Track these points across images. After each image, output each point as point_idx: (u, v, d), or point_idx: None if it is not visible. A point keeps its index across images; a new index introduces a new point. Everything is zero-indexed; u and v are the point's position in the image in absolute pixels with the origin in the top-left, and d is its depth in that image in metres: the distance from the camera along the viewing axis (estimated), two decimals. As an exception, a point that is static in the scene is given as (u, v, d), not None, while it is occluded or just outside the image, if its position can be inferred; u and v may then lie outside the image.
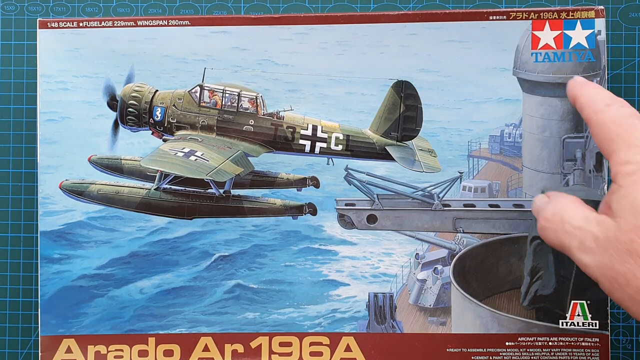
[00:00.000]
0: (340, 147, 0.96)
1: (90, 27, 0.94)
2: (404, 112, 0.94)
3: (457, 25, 0.92)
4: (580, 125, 0.92)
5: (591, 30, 0.91)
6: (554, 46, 0.92)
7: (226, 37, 0.94)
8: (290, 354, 0.92)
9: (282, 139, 0.97)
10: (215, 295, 0.94)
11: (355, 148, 0.96)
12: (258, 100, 0.96)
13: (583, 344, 0.90)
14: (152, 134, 0.99)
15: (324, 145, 0.96)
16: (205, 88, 0.97)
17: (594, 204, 0.89)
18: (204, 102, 0.97)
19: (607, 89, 0.92)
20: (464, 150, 0.93)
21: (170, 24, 0.94)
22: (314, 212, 0.95)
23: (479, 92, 0.92)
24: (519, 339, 0.90)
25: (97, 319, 0.93)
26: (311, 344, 0.92)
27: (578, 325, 0.90)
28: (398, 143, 0.96)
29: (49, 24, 0.94)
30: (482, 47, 0.92)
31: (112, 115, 0.96)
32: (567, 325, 0.90)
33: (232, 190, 0.97)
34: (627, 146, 0.68)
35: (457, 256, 0.94)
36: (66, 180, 0.94)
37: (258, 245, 0.94)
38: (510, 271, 0.93)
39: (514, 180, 0.94)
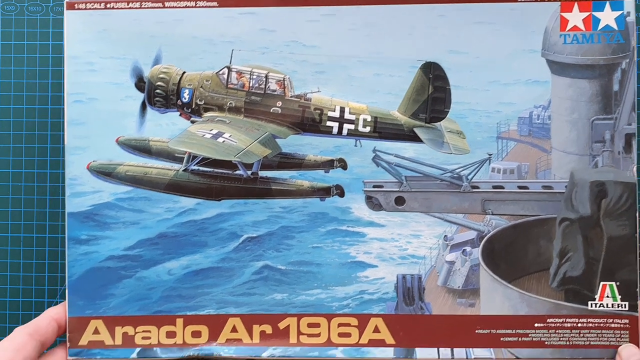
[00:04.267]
0: (368, 129, 0.96)
1: (118, 8, 0.94)
2: (433, 93, 0.94)
3: (486, 7, 0.92)
4: (609, 107, 0.92)
5: (620, 12, 0.91)
6: (583, 28, 0.91)
7: (254, 18, 0.93)
8: (318, 335, 0.92)
9: (309, 121, 0.97)
10: (243, 276, 0.93)
11: (383, 130, 0.96)
12: (285, 82, 0.96)
13: (612, 325, 0.89)
14: (179, 115, 0.98)
15: (352, 127, 0.96)
16: (233, 70, 0.96)
17: (623, 186, 0.90)
18: (232, 84, 0.97)
19: (636, 72, 0.92)
20: (493, 132, 0.93)
21: (197, 5, 0.94)
22: (341, 193, 0.95)
23: (507, 74, 0.92)
24: (548, 320, 0.90)
25: (125, 300, 0.93)
26: (339, 325, 0.92)
27: (607, 306, 0.90)
28: (426, 125, 0.96)
29: (76, 5, 0.94)
30: (510, 28, 0.92)
31: (140, 96, 0.96)
32: (596, 306, 0.90)
33: (259, 172, 0.97)
34: None
35: (485, 238, 0.94)
36: (94, 161, 0.94)
37: (286, 226, 0.94)
38: (539, 253, 0.93)
39: (542, 162, 0.93)
